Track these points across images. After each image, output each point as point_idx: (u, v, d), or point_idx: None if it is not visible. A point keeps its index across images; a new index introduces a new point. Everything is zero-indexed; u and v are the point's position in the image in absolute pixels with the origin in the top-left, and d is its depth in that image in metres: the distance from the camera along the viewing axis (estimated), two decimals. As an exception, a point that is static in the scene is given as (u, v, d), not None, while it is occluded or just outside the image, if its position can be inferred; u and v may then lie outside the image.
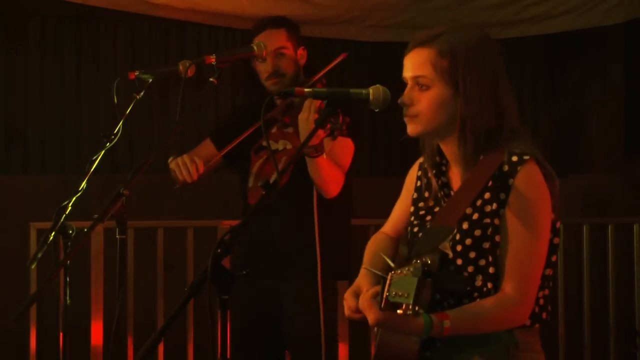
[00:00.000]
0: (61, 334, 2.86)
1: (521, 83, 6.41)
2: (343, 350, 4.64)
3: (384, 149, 6.29)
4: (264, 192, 2.09)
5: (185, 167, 3.31)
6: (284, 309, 3.43)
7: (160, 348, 4.54)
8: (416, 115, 2.21)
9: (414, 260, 2.02)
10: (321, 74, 3.43)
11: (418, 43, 2.23)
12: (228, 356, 2.06)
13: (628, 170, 6.08)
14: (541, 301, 2.20)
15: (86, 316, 4.45)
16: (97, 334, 4.43)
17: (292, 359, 3.49)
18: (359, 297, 2.17)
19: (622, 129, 6.36)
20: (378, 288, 2.09)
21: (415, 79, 2.22)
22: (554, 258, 2.22)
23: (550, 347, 5.46)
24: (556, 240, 2.21)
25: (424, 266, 1.98)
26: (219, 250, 2.00)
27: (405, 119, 2.24)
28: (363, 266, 2.37)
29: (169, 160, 3.39)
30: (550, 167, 2.19)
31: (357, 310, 2.18)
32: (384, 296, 2.01)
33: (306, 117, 3.09)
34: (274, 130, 3.45)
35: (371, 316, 2.04)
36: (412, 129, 2.23)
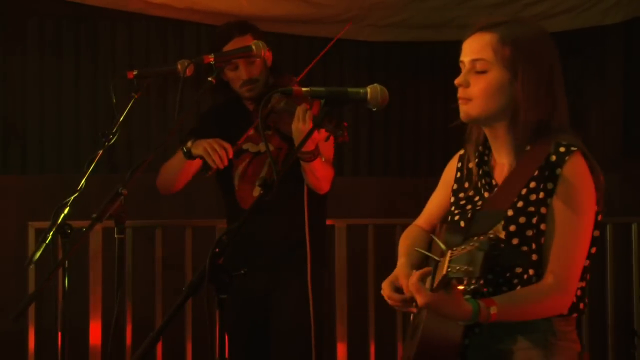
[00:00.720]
0: (60, 333, 2.86)
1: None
2: (342, 350, 4.64)
3: (383, 149, 6.29)
4: (262, 191, 2.09)
5: (216, 152, 3.29)
6: (273, 304, 3.45)
7: (159, 347, 4.54)
8: (470, 99, 2.21)
9: (475, 238, 2.01)
10: (327, 48, 3.44)
11: (479, 28, 2.25)
12: (226, 356, 2.06)
13: (627, 169, 6.08)
14: (579, 292, 2.24)
15: (85, 316, 4.45)
16: (95, 334, 4.43)
17: (276, 351, 3.47)
18: (395, 288, 2.24)
19: (621, 128, 6.36)
20: (426, 270, 2.11)
21: (474, 62, 2.22)
22: (593, 250, 2.24)
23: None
24: (596, 233, 2.23)
25: (490, 240, 1.97)
26: (217, 250, 2.01)
27: (459, 102, 2.24)
28: (400, 258, 2.38)
29: (189, 145, 3.36)
30: (595, 162, 2.22)
31: (395, 299, 2.22)
32: (443, 273, 1.99)
33: (302, 128, 3.09)
34: (252, 132, 3.45)
35: (421, 298, 2.05)
36: (465, 113, 2.24)
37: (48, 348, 4.31)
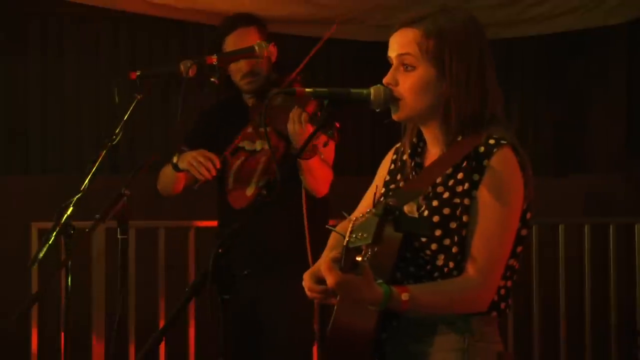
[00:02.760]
0: (62, 334, 2.87)
1: (523, 83, 6.40)
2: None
3: (385, 149, 6.28)
4: (264, 192, 2.09)
5: (201, 165, 3.27)
6: (263, 316, 3.38)
7: (162, 348, 4.54)
8: (400, 97, 2.18)
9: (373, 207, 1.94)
10: (313, 52, 3.42)
11: (404, 23, 2.22)
12: (230, 356, 2.06)
13: (630, 169, 6.08)
14: (502, 291, 2.16)
15: (87, 316, 4.45)
16: (98, 334, 4.43)
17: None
18: (317, 279, 2.14)
19: (625, 129, 6.35)
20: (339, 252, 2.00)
21: (400, 57, 2.19)
22: (519, 249, 2.17)
23: (551, 346, 5.45)
24: (524, 232, 2.17)
25: (386, 205, 1.89)
26: (220, 250, 2.00)
27: (390, 103, 2.20)
28: (325, 251, 2.33)
29: (174, 161, 3.35)
30: (526, 156, 2.16)
31: (316, 290, 2.13)
32: (344, 244, 1.91)
33: (298, 130, 3.07)
34: (249, 129, 3.42)
35: (330, 278, 1.95)
36: (396, 112, 2.20)
37: (51, 349, 4.31)
